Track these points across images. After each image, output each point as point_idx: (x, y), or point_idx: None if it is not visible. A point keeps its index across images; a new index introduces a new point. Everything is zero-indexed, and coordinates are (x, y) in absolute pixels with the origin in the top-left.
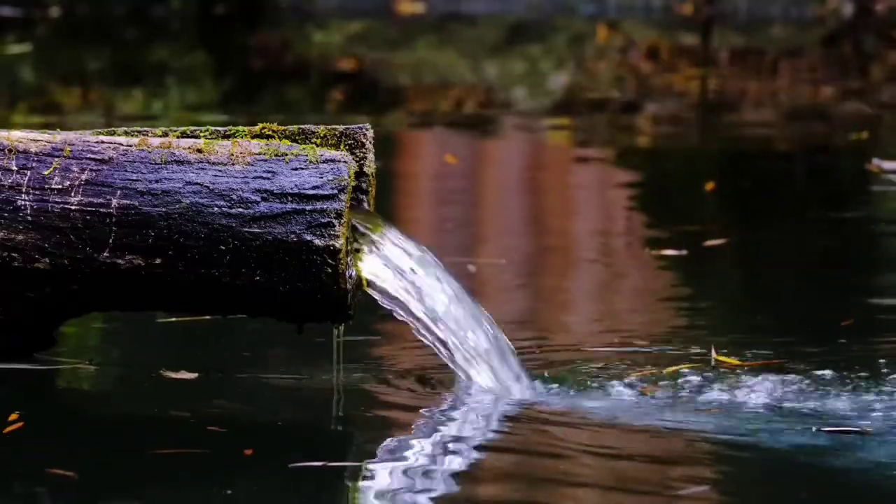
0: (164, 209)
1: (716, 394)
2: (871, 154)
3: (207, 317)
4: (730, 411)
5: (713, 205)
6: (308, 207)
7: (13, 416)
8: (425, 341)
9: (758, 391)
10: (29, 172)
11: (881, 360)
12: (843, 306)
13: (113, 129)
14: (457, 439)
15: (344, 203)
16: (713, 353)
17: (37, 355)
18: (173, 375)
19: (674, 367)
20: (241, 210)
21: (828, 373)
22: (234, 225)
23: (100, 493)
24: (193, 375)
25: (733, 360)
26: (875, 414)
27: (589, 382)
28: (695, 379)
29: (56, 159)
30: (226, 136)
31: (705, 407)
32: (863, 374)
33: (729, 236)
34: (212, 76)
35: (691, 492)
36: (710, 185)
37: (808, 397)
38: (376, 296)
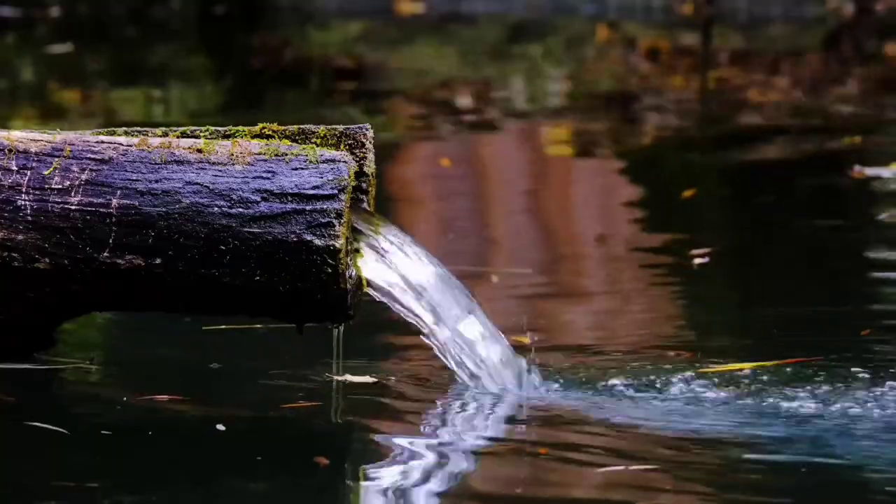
0: (164, 209)
1: (731, 396)
2: (864, 159)
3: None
4: (741, 414)
5: (703, 212)
6: (308, 207)
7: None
8: (426, 340)
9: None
10: (29, 172)
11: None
12: (852, 313)
13: (113, 129)
14: (457, 439)
15: (344, 203)
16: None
17: (37, 355)
18: (351, 379)
19: (717, 368)
20: (241, 210)
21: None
22: (234, 225)
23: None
24: (371, 379)
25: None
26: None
27: (592, 383)
28: (701, 381)
29: (56, 159)
30: (226, 136)
31: (713, 408)
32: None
33: (714, 245)
34: (212, 77)
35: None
36: (688, 193)
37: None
38: (377, 295)
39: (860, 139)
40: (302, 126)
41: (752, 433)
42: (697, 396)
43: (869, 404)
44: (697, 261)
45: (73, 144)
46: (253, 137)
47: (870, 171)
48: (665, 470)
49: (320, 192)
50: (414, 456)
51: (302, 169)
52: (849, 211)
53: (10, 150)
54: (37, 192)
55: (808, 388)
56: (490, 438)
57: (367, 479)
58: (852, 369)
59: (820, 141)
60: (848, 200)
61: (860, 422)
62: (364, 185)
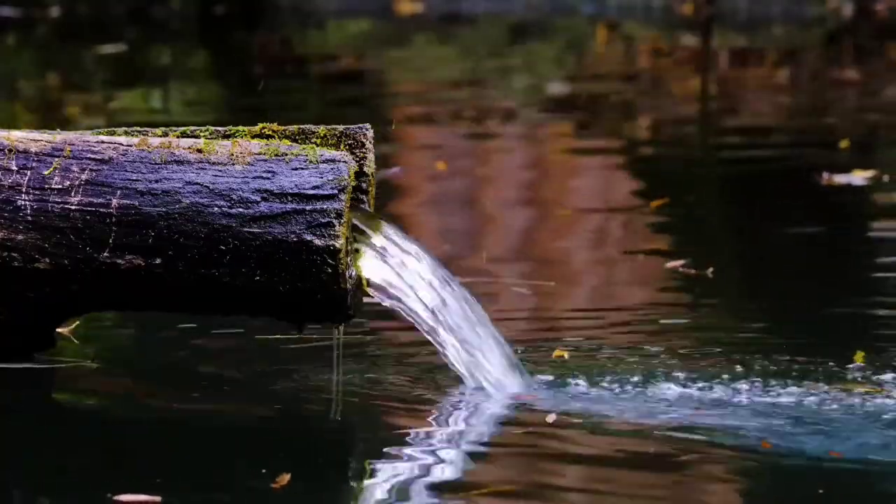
0: (164, 209)
1: (731, 394)
2: (856, 164)
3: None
4: (739, 412)
5: (683, 219)
6: (308, 207)
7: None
8: (426, 340)
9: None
10: (29, 172)
11: None
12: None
13: (113, 129)
14: (457, 439)
15: (344, 203)
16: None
17: (37, 355)
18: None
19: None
20: (241, 210)
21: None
22: (234, 225)
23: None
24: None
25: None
26: None
27: (593, 383)
28: (705, 380)
29: (56, 159)
30: (226, 136)
31: (709, 407)
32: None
33: (690, 256)
34: (212, 76)
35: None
36: (656, 203)
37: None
38: (376, 295)
39: (848, 143)
40: (302, 126)
41: (754, 434)
42: (698, 396)
43: None
44: (682, 270)
45: (73, 144)
46: (253, 137)
47: (839, 178)
48: (664, 469)
49: (320, 192)
50: (414, 456)
51: (302, 169)
52: (822, 218)
53: (10, 150)
54: (37, 192)
55: None
56: (491, 438)
57: (367, 478)
58: None
59: (813, 144)
60: (823, 206)
61: None
62: (364, 185)
